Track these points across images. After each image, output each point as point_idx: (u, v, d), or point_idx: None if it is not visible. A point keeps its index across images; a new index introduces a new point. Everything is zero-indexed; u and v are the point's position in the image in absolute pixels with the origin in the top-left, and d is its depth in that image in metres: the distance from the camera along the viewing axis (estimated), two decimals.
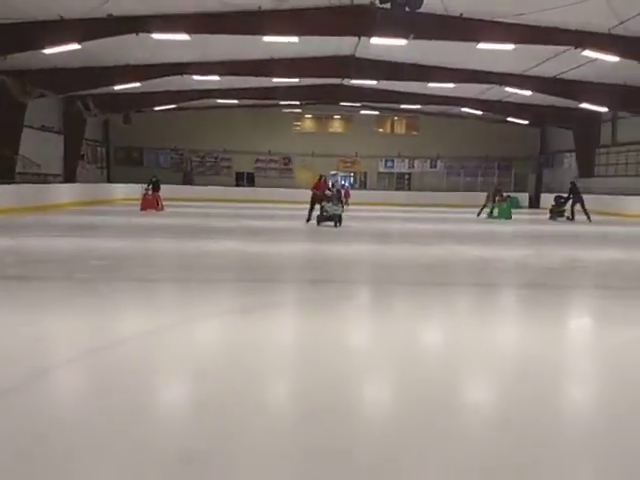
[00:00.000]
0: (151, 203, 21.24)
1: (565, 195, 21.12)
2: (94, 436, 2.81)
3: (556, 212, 21.20)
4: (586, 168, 29.86)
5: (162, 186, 21.88)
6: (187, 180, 34.79)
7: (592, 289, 7.70)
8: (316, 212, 16.27)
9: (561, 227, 18.14)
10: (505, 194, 22.45)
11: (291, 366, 4.12)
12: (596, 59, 17.79)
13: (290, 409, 3.36)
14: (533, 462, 2.64)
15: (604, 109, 25.45)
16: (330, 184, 18.77)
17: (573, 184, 21.40)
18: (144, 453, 2.64)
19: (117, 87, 24.05)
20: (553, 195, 31.72)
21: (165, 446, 2.74)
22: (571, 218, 20.51)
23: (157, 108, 31.11)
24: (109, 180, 32.82)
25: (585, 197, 28.72)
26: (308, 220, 16.31)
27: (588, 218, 20.00)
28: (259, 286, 7.10)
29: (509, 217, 21.23)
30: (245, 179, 35.85)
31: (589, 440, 2.97)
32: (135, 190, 23.03)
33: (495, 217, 21.28)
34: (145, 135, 33.54)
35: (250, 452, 2.69)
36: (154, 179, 21.79)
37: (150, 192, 21.44)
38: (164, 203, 21.80)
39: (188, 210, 22.56)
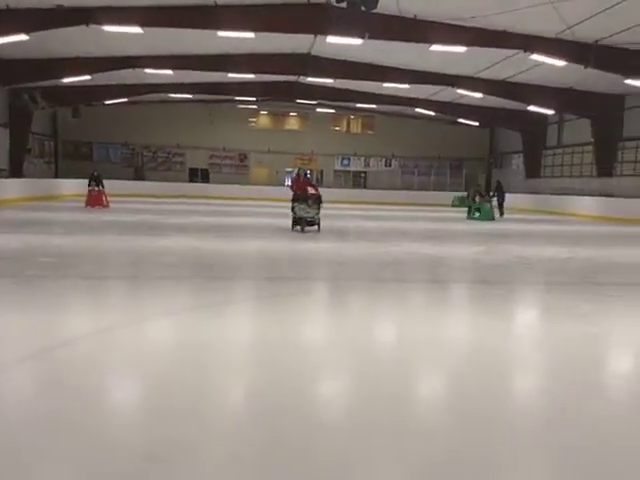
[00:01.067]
0: (98, 199, 20.42)
1: (490, 193, 23.23)
2: (43, 436, 2.76)
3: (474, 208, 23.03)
4: (533, 169, 30.89)
5: (113, 182, 21.41)
6: (138, 176, 34.10)
7: (537, 284, 7.98)
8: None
9: (511, 226, 18.68)
10: (485, 193, 21.50)
11: (245, 363, 4.13)
12: (543, 63, 18.39)
13: (245, 406, 3.37)
14: (483, 453, 2.74)
15: (551, 112, 26.35)
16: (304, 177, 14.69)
17: (499, 183, 23.98)
18: (96, 452, 2.61)
19: (66, 80, 23.34)
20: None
21: (117, 444, 2.72)
22: (501, 214, 22.34)
23: (108, 102, 30.36)
24: (57, 175, 31.83)
25: (532, 197, 29.78)
26: (293, 225, 13.72)
27: (501, 214, 22.35)
28: (213, 284, 7.06)
29: (491, 218, 20.35)
30: (199, 175, 35.40)
31: (536, 430, 3.10)
32: (84, 185, 22.39)
33: (476, 218, 20.40)
34: (95, 129, 32.69)
35: (203, 450, 2.70)
36: (95, 173, 20.96)
37: (95, 188, 20.55)
38: (110, 199, 21.19)
39: (140, 206, 22.14)
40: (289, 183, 16.08)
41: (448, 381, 3.89)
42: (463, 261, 9.98)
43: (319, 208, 13.33)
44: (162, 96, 29.98)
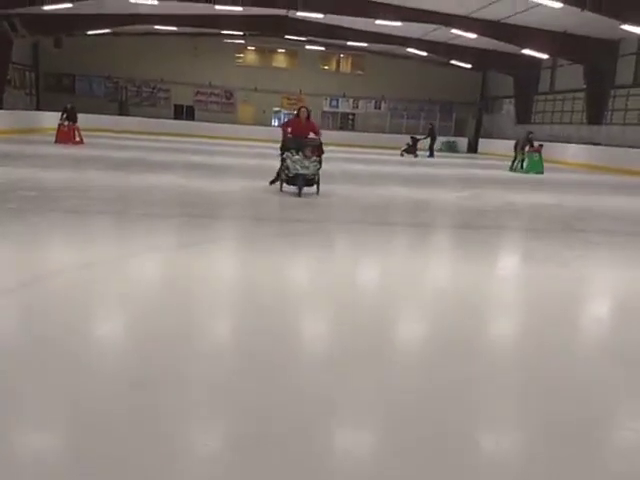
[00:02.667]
0: (67, 135, 18.93)
1: (418, 136, 25.62)
2: (28, 365, 2.78)
3: (408, 150, 24.73)
4: (524, 115, 30.59)
5: (97, 116, 20.60)
6: (123, 111, 33.26)
7: (522, 231, 8.05)
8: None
9: (496, 172, 18.66)
10: (537, 143, 19.00)
11: (230, 302, 4.16)
12: (540, 4, 17.90)
13: (230, 340, 3.42)
14: (464, 389, 2.83)
15: (545, 56, 25.87)
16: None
17: (432, 126, 26.42)
18: (82, 379, 2.65)
19: (47, 7, 22.26)
20: (492, 140, 32.52)
21: (104, 372, 2.75)
22: (430, 155, 24.66)
23: (90, 32, 29.17)
24: (38, 108, 30.90)
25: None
26: (273, 182, 10.16)
27: (431, 155, 24.63)
28: (199, 222, 7.02)
29: (541, 171, 18.22)
30: (185, 112, 34.61)
31: (511, 361, 3.19)
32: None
33: (523, 170, 18.46)
34: (77, 61, 31.56)
35: (191, 384, 2.74)
36: (69, 106, 19.57)
37: (66, 123, 19.08)
38: (93, 134, 20.47)
39: (124, 142, 21.70)
40: (281, 122, 11.98)
41: (428, 317, 3.97)
42: (448, 205, 10.00)
43: (320, 161, 9.47)
44: (146, 28, 28.87)
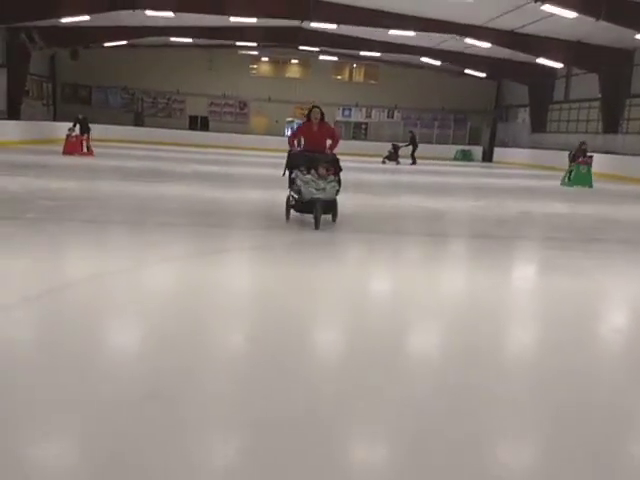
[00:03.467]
0: (75, 146, 18.42)
1: (400, 144, 25.65)
2: (49, 377, 2.80)
3: (390, 157, 24.76)
4: (539, 123, 30.44)
5: (113, 127, 20.54)
6: (138, 122, 33.62)
7: (540, 240, 7.99)
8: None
9: (511, 181, 18.56)
10: (589, 154, 17.18)
11: (245, 310, 4.17)
12: (554, 14, 17.86)
13: (244, 352, 3.42)
14: (482, 401, 2.80)
15: (559, 65, 25.78)
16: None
17: (412, 133, 26.82)
18: (100, 394, 2.66)
19: (64, 20, 22.66)
20: (506, 149, 32.42)
21: (120, 388, 2.76)
22: (413, 162, 24.56)
23: (107, 44, 29.60)
24: (55, 118, 31.34)
25: (537, 152, 29.50)
26: (289, 211, 7.65)
27: (413, 162, 24.49)
28: (214, 231, 7.06)
29: (590, 184, 16.36)
30: (199, 123, 34.90)
31: (525, 370, 3.16)
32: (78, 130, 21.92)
33: (569, 183, 16.70)
34: (94, 72, 31.98)
35: (206, 395, 2.75)
36: (80, 117, 19.33)
37: (74, 133, 18.62)
38: (109, 144, 20.32)
39: (139, 153, 21.92)
40: (290, 132, 9.37)
41: (442, 325, 3.94)
42: (463, 215, 9.95)
43: (340, 180, 7.39)
44: (162, 40, 29.21)
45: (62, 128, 27.30)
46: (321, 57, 34.11)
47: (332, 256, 6.21)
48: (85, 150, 18.67)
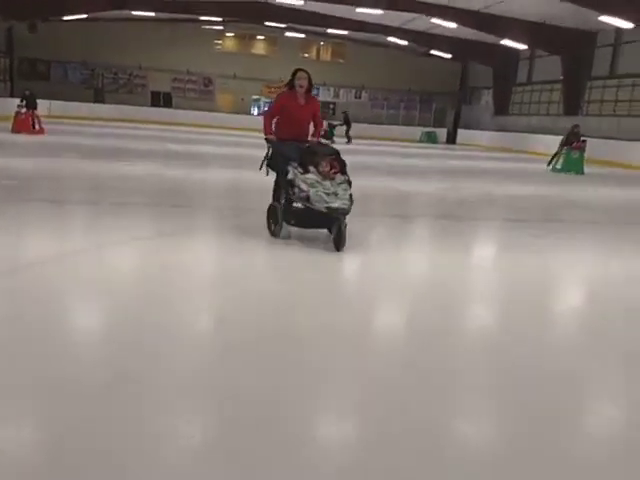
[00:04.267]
0: (25, 124, 17.26)
1: (334, 122, 25.32)
2: (10, 360, 2.72)
3: (325, 136, 24.46)
4: (502, 106, 30.81)
5: (71, 104, 19.74)
6: (98, 98, 32.68)
7: (503, 221, 8.12)
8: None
9: (477, 163, 18.78)
10: (583, 138, 16.05)
11: (210, 292, 4.12)
12: None
13: (208, 336, 3.39)
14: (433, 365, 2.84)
15: (523, 47, 26.04)
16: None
17: (345, 113, 26.76)
18: (58, 379, 2.60)
19: None
20: (469, 131, 32.73)
21: (77, 373, 2.71)
22: (348, 142, 23.95)
23: (66, 17, 28.54)
24: (12, 94, 30.20)
25: (499, 134, 29.88)
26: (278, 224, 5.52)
27: (349, 142, 23.98)
28: (178, 211, 6.94)
29: (581, 171, 15.39)
30: (162, 99, 34.14)
31: (482, 346, 3.22)
32: (41, 106, 21.23)
33: (559, 170, 15.73)
34: (53, 47, 30.81)
35: (171, 376, 2.71)
36: (27, 93, 18.17)
37: (24, 110, 17.47)
38: (68, 121, 19.36)
39: (100, 130, 21.35)
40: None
41: (404, 303, 3.98)
42: (428, 196, 10.04)
43: (350, 182, 5.39)
44: (124, 14, 28.33)
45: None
46: (288, 34, 33.67)
47: (300, 234, 6.17)
48: (37, 128, 17.61)
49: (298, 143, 5.51)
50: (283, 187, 5.40)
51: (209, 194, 8.74)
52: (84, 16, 28.31)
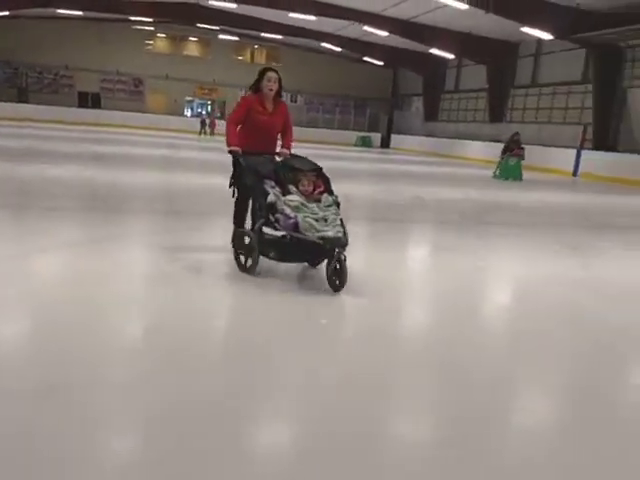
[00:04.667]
0: None
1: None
2: None
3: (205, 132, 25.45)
4: (432, 112, 31.79)
5: None
6: (22, 98, 31.23)
7: (434, 223, 8.37)
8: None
9: (410, 168, 19.26)
10: (521, 146, 16.09)
11: (141, 299, 4.03)
12: (447, 5, 18.61)
13: (140, 343, 3.32)
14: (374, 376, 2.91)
15: (451, 56, 26.97)
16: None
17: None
18: None
19: None
20: (402, 136, 33.50)
21: (2, 383, 2.59)
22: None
23: None
24: None
25: (430, 140, 30.69)
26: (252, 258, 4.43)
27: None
28: (107, 216, 6.74)
29: (519, 178, 15.66)
30: (90, 100, 33.02)
31: (423, 353, 3.32)
32: None
33: (498, 177, 15.87)
34: None
35: (101, 387, 2.64)
36: None
37: None
38: None
39: (24, 131, 20.40)
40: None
41: (340, 304, 4.05)
42: (363, 199, 10.21)
43: (338, 203, 4.54)
44: (49, 12, 27.20)
45: None
46: (221, 36, 33.38)
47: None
48: None
49: (268, 156, 4.72)
50: (259, 212, 4.39)
51: (140, 198, 8.53)
52: (6, 13, 26.99)
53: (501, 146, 16.92)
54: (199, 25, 30.68)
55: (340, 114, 36.32)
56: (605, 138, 19.53)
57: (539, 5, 17.72)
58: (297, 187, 4.44)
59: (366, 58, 32.15)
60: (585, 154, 19.22)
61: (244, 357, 3.04)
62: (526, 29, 19.14)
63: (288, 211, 4.21)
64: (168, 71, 33.40)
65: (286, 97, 37.61)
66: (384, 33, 24.66)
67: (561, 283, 5.09)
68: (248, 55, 35.88)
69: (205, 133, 28.97)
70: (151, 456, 2.13)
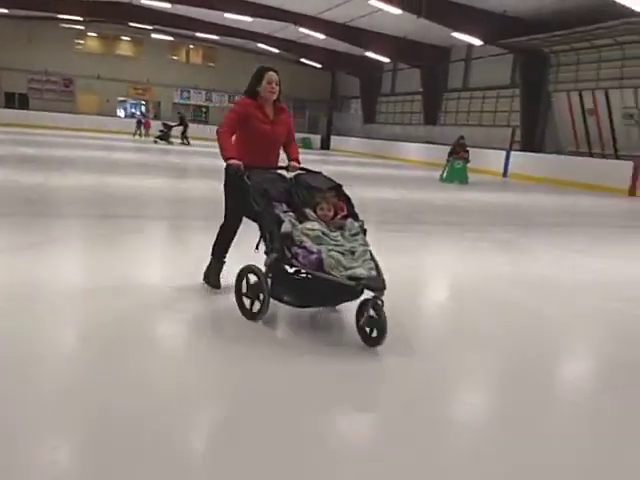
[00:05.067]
0: None
1: (171, 123, 25.29)
2: None
3: (162, 137, 24.45)
4: (369, 114, 32.32)
5: None
6: None
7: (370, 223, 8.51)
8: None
9: (347, 169, 19.47)
10: (466, 149, 16.22)
11: (74, 306, 3.92)
12: (381, 10, 18.99)
13: (72, 352, 3.24)
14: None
15: (386, 59, 27.50)
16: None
17: (180, 114, 26.37)
18: None
19: None
20: (342, 138, 33.84)
21: None
22: (186, 143, 24.43)
23: None
24: None
25: (369, 141, 31.13)
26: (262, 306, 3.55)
27: (188, 143, 24.36)
28: (37, 221, 6.49)
29: (465, 181, 15.69)
30: (17, 100, 31.59)
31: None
32: None
33: (445, 180, 15.84)
34: None
35: (37, 393, 2.57)
36: None
37: None
38: None
39: None
40: (224, 122, 3.48)
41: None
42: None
43: (365, 230, 3.76)
44: None
45: None
46: (155, 35, 32.70)
47: (172, 242, 6.03)
48: None
49: (275, 172, 3.93)
50: (270, 244, 3.53)
51: (70, 201, 8.25)
52: None
53: (436, 148, 17.44)
54: (131, 24, 29.94)
55: None
56: (532, 140, 20.42)
57: (469, 11, 18.35)
58: (315, 211, 3.64)
59: (304, 60, 32.30)
60: (514, 155, 20.03)
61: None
62: (457, 34, 19.77)
63: (309, 244, 3.38)
64: (100, 71, 32.42)
65: (223, 97, 36.82)
66: (321, 36, 24.87)
67: (489, 278, 5.31)
68: (183, 55, 35.31)
69: (140, 134, 28.30)
70: (84, 463, 2.08)
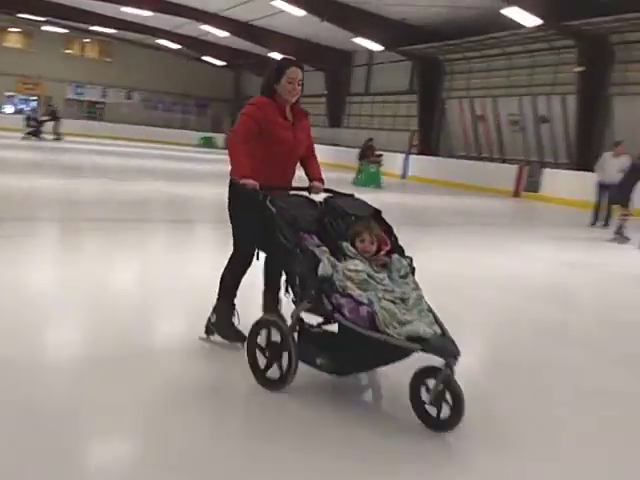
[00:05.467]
0: None
1: (44, 118, 22.24)
2: None
3: (34, 133, 21.41)
4: None
5: None
6: None
7: None
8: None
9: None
10: (378, 153, 16.15)
11: (44, 310, 3.65)
12: (284, 11, 19.10)
13: (44, 358, 3.02)
14: None
15: None
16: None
17: (52, 107, 23.15)
18: None
19: None
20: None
21: None
22: (59, 139, 21.74)
23: None
24: None
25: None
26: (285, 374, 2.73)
27: (58, 138, 21.69)
28: None
29: (378, 185, 15.35)
30: None
31: None
32: None
33: (360, 184, 15.11)
34: None
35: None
36: None
37: None
38: None
39: None
40: (237, 129, 2.82)
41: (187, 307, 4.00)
42: (209, 201, 10.12)
43: (414, 269, 3.00)
44: None
45: None
46: (46, 28, 30.83)
47: (66, 246, 5.74)
48: None
49: (301, 195, 3.20)
50: (301, 290, 2.74)
51: None
52: None
53: (340, 150, 17.79)
54: (20, 16, 28.05)
55: (181, 113, 35.47)
56: (429, 144, 21.38)
57: (369, 17, 18.91)
58: (353, 244, 2.87)
59: (206, 58, 31.75)
60: (412, 159, 20.85)
61: None
62: (358, 39, 20.29)
63: (356, 292, 2.60)
64: None
65: (119, 94, 35.42)
66: (223, 33, 24.59)
67: None
68: (78, 49, 33.58)
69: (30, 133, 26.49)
70: None
